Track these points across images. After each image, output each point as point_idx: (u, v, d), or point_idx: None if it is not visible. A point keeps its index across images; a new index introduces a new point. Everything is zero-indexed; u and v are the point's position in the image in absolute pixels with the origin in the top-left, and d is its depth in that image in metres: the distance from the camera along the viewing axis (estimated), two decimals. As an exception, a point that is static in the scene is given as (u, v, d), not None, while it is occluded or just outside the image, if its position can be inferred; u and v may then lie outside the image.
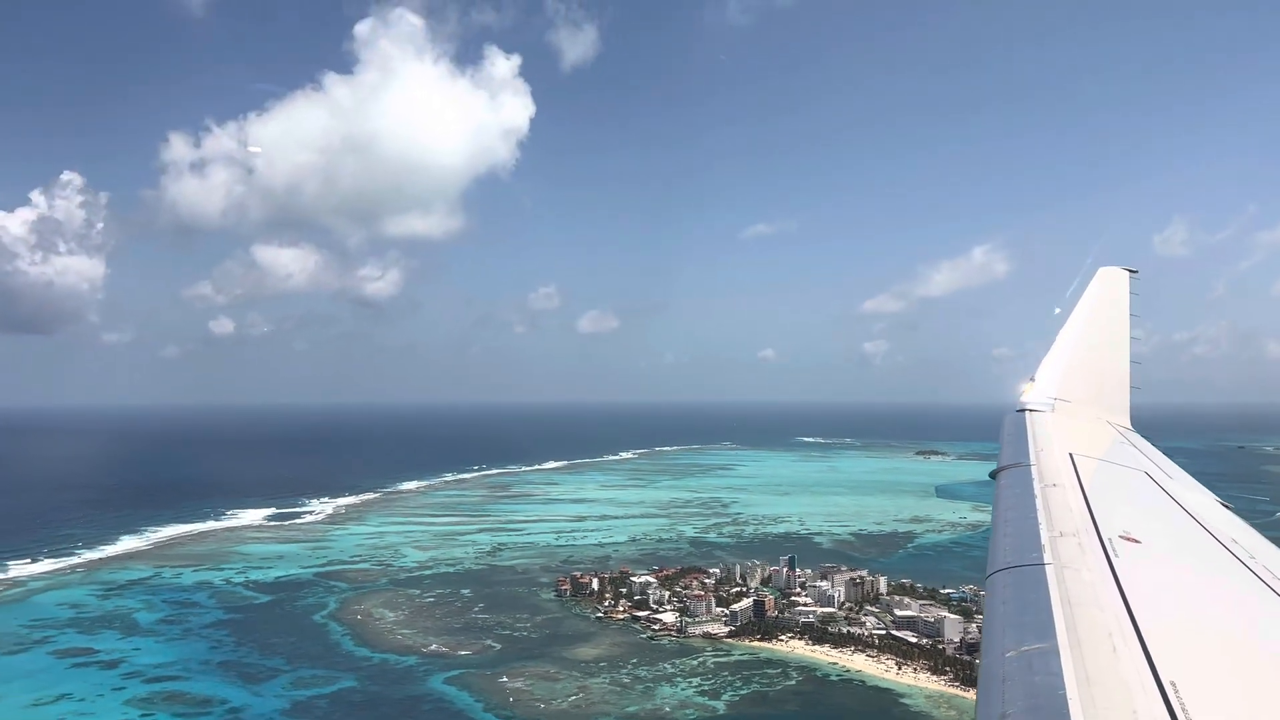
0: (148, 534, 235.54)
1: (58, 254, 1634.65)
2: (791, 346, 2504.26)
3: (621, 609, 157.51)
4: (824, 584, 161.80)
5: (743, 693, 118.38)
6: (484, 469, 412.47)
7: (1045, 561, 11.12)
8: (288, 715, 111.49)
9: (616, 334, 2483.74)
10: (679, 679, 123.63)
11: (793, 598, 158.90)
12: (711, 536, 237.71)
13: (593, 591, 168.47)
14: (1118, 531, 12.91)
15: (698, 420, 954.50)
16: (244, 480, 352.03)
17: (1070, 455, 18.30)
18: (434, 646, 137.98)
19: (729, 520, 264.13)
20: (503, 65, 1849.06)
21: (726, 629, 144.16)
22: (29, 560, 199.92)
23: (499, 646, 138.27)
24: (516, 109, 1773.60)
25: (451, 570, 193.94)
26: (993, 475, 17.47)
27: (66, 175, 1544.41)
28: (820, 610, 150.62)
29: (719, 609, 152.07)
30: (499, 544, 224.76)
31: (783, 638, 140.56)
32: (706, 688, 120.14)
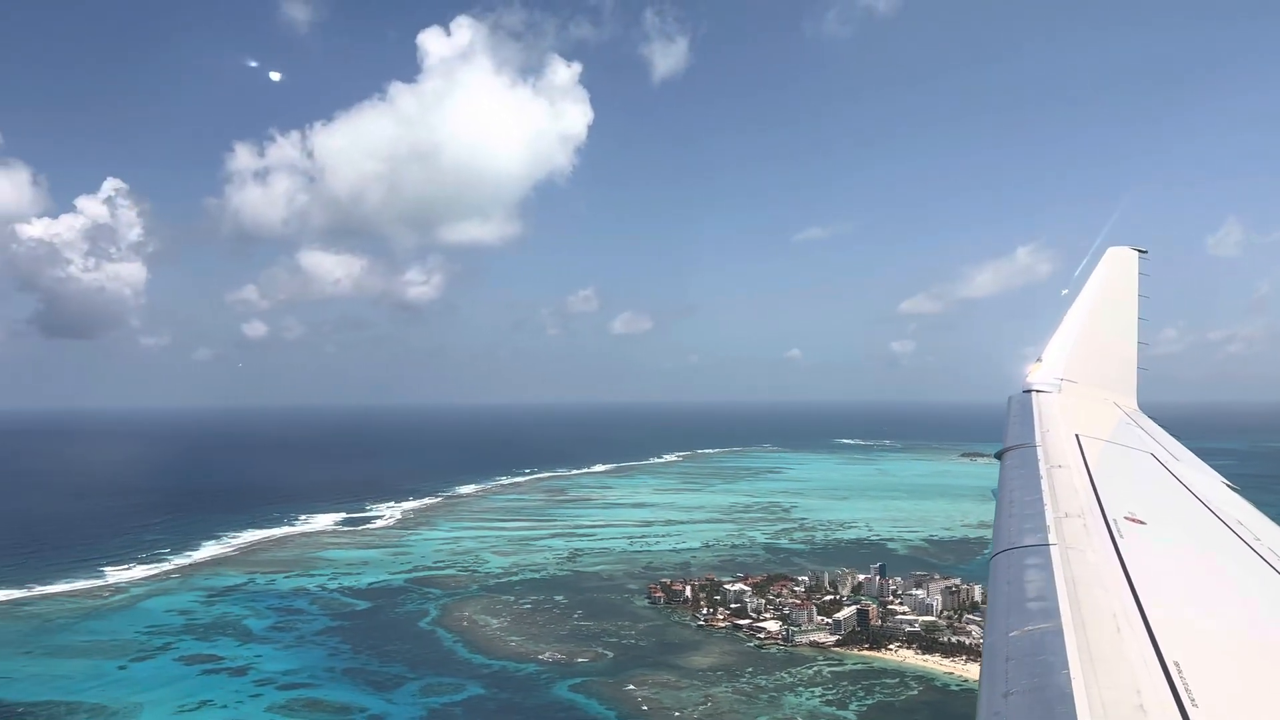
0: (227, 539, 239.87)
1: (109, 260, 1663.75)
2: (818, 346, 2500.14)
3: (721, 617, 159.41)
4: (919, 592, 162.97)
5: (868, 703, 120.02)
6: (535, 472, 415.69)
7: (1050, 542, 11.15)
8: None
9: (648, 335, 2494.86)
10: (800, 688, 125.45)
11: (889, 606, 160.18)
12: (784, 543, 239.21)
13: (686, 599, 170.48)
14: (1123, 513, 12.92)
15: (726, 421, 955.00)
16: (305, 484, 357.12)
17: (1076, 436, 18.31)
18: (547, 654, 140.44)
19: (795, 525, 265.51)
20: (563, 72, 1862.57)
21: (833, 638, 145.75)
22: (124, 566, 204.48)
23: (611, 654, 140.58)
24: (576, 116, 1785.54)
25: (537, 576, 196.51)
26: (998, 456, 17.50)
27: (111, 182, 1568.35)
28: (921, 619, 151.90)
29: (820, 617, 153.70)
30: (575, 549, 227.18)
31: (890, 647, 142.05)
32: (831, 697, 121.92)
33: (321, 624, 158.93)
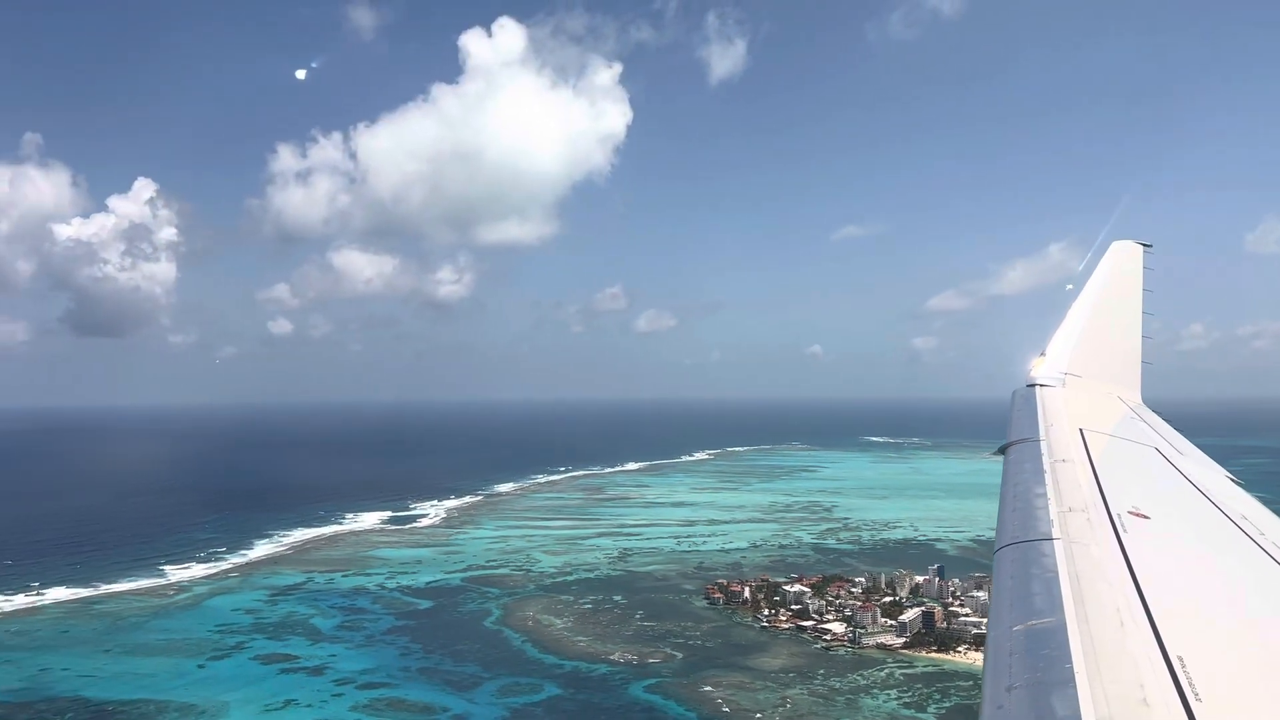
0: (279, 538, 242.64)
1: (143, 259, 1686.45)
2: (840, 342, 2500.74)
3: (784, 618, 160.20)
4: (981, 594, 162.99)
5: (946, 705, 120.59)
6: (570, 471, 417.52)
7: (1054, 536, 11.09)
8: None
9: (672, 332, 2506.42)
10: (875, 691, 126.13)
11: (951, 608, 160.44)
12: (831, 543, 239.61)
13: (745, 600, 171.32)
14: (1127, 507, 12.82)
15: (749, 417, 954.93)
16: (344, 482, 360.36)
17: (1080, 431, 18.19)
18: (617, 655, 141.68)
19: (840, 525, 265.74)
20: (604, 73, 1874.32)
21: (899, 640, 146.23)
22: (183, 565, 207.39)
23: (680, 655, 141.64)
24: (615, 116, 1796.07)
25: (591, 576, 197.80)
26: (1001, 450, 17.37)
27: (143, 182, 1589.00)
28: (986, 621, 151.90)
29: (884, 619, 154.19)
30: (624, 549, 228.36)
31: (959, 649, 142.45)
32: (907, 700, 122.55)
33: (388, 623, 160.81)
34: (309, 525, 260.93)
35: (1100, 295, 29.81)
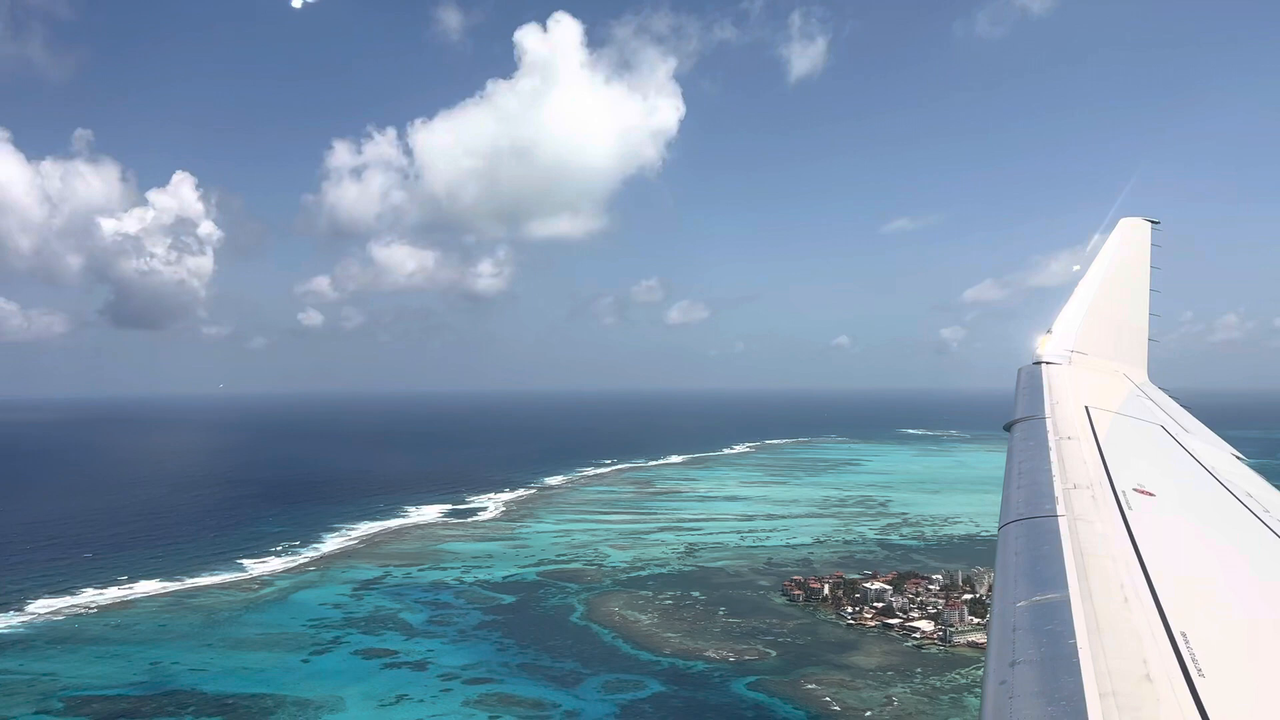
0: (346, 531, 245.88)
1: (189, 253, 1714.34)
2: (867, 334, 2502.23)
3: (868, 616, 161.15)
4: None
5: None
6: (615, 463, 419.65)
7: (1058, 513, 11.10)
8: (624, 719, 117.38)
9: (703, 324, 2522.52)
10: (977, 690, 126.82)
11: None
12: (895, 538, 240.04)
13: (825, 596, 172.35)
14: (1132, 484, 12.86)
15: (778, 409, 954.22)
16: (395, 474, 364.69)
17: (1086, 408, 18.14)
18: (710, 651, 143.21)
19: (899, 520, 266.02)
20: (658, 67, 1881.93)
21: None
22: (260, 559, 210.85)
23: (774, 653, 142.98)
24: (668, 111, 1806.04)
25: (664, 572, 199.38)
26: (1007, 428, 17.29)
27: (182, 175, 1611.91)
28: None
29: (971, 617, 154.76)
30: (689, 544, 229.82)
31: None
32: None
33: (476, 618, 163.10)
34: (372, 518, 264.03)
35: (1108, 272, 29.52)
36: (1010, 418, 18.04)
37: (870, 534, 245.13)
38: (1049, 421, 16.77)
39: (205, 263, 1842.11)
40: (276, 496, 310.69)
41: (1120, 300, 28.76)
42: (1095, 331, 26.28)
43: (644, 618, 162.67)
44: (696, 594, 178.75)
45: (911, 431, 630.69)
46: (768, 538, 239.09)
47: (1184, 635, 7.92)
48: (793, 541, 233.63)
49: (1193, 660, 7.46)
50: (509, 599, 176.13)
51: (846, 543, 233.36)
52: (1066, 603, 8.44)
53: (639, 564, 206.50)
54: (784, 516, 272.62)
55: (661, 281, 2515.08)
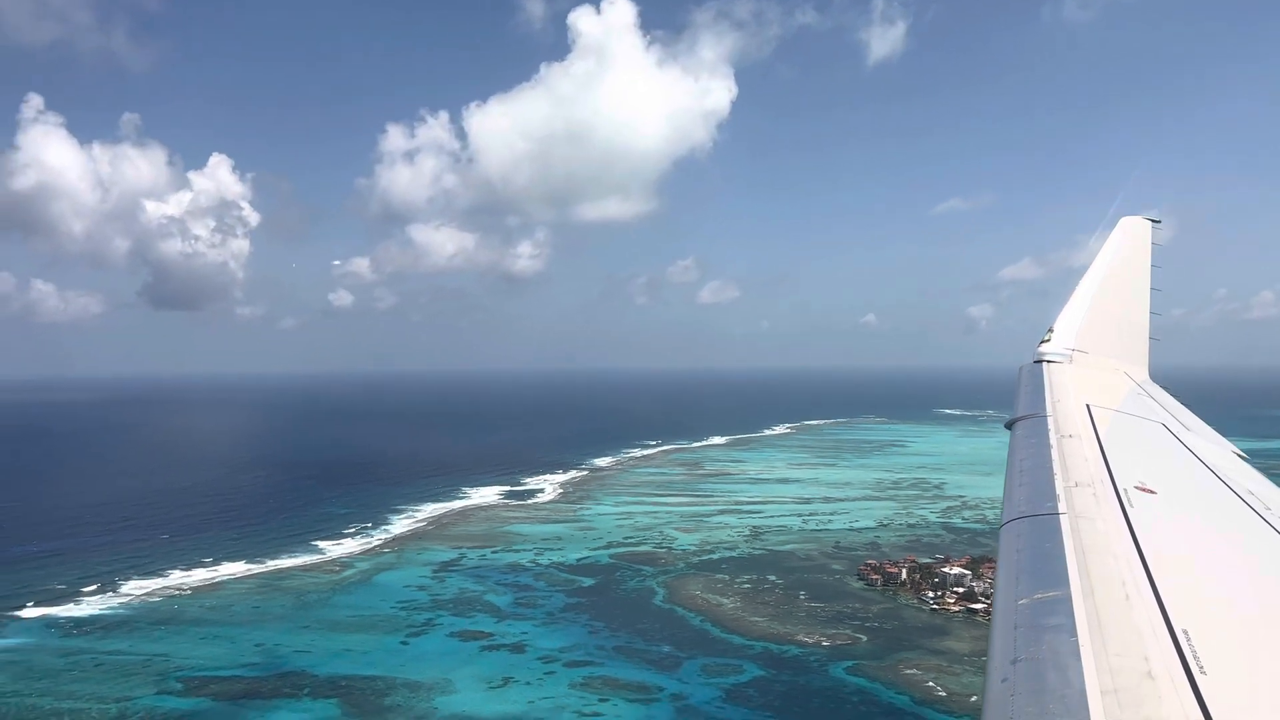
0: (411, 513, 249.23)
1: (231, 236, 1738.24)
2: (896, 311, 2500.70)
3: (952, 600, 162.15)
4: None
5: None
6: (660, 445, 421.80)
7: (1060, 511, 11.12)
8: (731, 702, 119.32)
9: (734, 303, 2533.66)
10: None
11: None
12: (958, 522, 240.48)
13: (903, 581, 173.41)
14: (1133, 482, 12.87)
15: (807, 388, 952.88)
16: (445, 454, 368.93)
17: (1087, 406, 18.13)
18: (801, 635, 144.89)
19: (958, 504, 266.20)
20: (711, 49, 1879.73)
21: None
22: (335, 540, 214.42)
23: (865, 638, 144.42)
24: (720, 93, 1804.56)
25: (735, 555, 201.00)
26: (1008, 426, 17.38)
27: (219, 158, 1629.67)
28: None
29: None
30: (752, 527, 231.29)
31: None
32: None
33: (560, 601, 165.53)
34: (434, 500, 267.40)
35: (1108, 271, 29.73)
36: (1011, 415, 18.30)
37: (932, 517, 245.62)
38: (1050, 420, 16.93)
39: (244, 245, 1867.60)
40: (334, 478, 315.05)
41: (1121, 299, 28.95)
42: (1096, 330, 26.49)
43: (726, 601, 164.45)
44: (773, 578, 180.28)
45: (949, 411, 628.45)
46: (830, 521, 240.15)
47: (1185, 633, 7.92)
48: (856, 525, 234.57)
49: (1194, 657, 7.45)
50: (588, 581, 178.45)
51: (910, 526, 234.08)
52: (1068, 600, 8.46)
53: (707, 547, 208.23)
54: (841, 499, 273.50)
55: (697, 261, 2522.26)
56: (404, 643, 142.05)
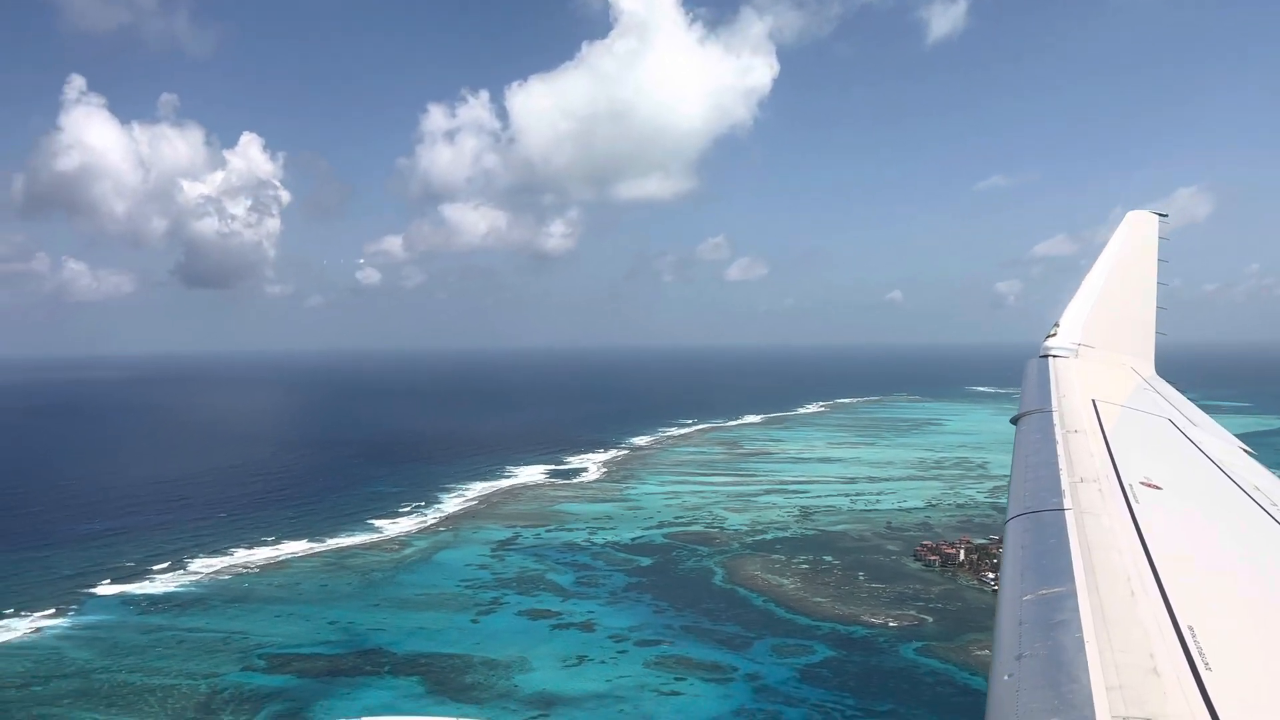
0: (461, 492, 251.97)
1: (267, 215, 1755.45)
2: (922, 288, 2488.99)
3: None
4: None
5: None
6: (696, 423, 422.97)
7: (1065, 507, 11.07)
8: (806, 683, 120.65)
9: (762, 280, 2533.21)
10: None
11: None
12: (1006, 502, 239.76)
13: (961, 562, 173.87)
14: (1139, 478, 12.79)
15: (837, 366, 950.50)
16: (485, 433, 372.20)
17: (1093, 401, 18.02)
18: (867, 616, 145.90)
19: (1004, 484, 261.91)
20: (753, 25, 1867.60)
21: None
22: (390, 519, 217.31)
23: (930, 619, 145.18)
24: (762, 70, 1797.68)
25: (788, 535, 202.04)
26: (1014, 421, 17.23)
27: (249, 136, 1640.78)
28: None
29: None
30: (801, 507, 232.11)
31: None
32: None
33: (620, 580, 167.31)
34: (482, 479, 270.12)
35: (1115, 265, 29.65)
36: (1017, 411, 18.27)
37: (980, 497, 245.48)
38: (1056, 415, 16.90)
39: (276, 224, 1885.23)
40: (379, 456, 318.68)
41: (1128, 293, 28.89)
42: (1102, 325, 26.49)
43: (786, 582, 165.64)
44: (829, 558, 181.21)
45: (982, 389, 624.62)
46: (878, 501, 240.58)
47: (1191, 629, 7.88)
48: (904, 505, 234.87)
49: (1200, 654, 7.42)
50: (645, 561, 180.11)
51: (959, 506, 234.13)
52: (1073, 596, 8.40)
53: (759, 527, 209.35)
54: (885, 479, 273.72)
55: (727, 239, 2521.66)
56: (474, 621, 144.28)
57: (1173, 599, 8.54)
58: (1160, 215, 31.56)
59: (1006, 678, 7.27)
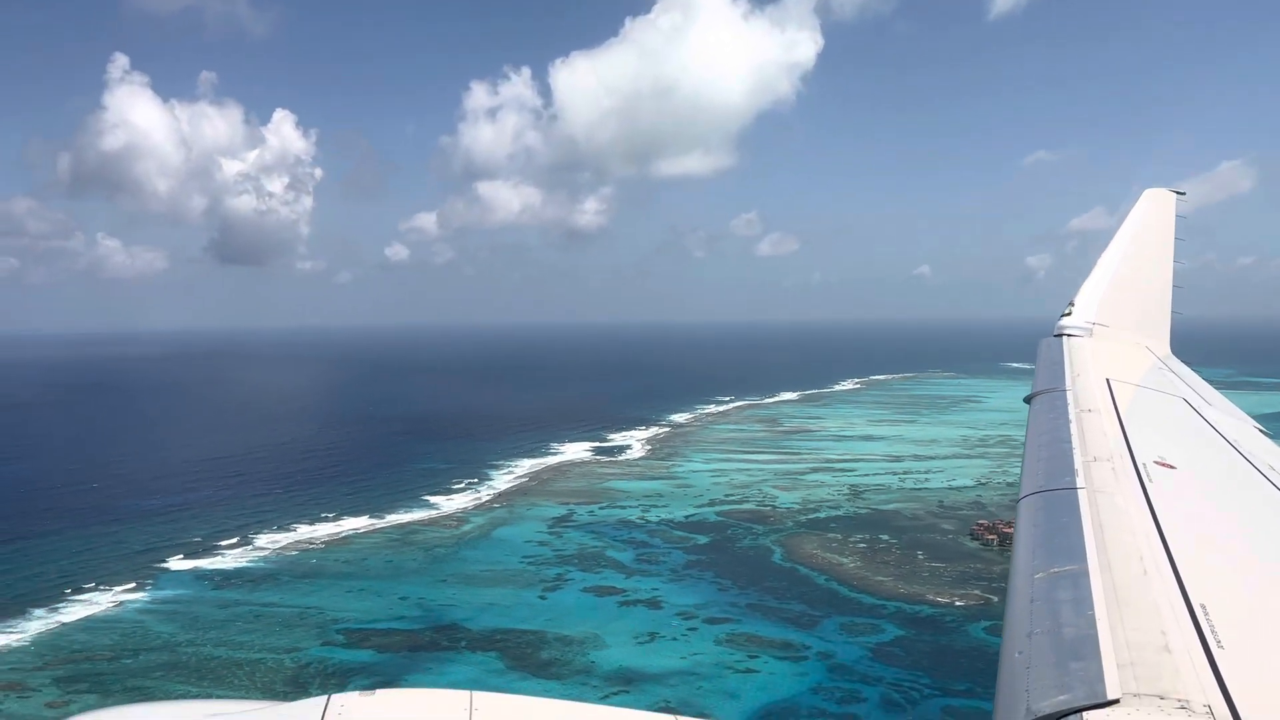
0: (510, 469, 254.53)
1: (303, 193, 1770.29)
2: (951, 263, 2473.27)
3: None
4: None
5: None
6: (733, 400, 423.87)
7: (1078, 486, 11.11)
8: (879, 661, 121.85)
9: (794, 256, 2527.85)
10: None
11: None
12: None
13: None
14: (1152, 457, 12.80)
15: (867, 341, 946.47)
16: (528, 410, 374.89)
17: (1107, 381, 18.04)
18: (931, 595, 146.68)
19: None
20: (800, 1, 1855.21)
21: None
22: (445, 495, 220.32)
23: (995, 598, 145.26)
24: (806, 45, 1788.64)
25: (841, 514, 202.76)
26: (1027, 400, 17.30)
27: (282, 113, 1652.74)
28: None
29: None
30: (850, 485, 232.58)
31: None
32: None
33: (680, 558, 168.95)
34: (529, 456, 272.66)
35: (1131, 244, 29.35)
36: (1031, 390, 18.39)
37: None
38: (1070, 394, 17.02)
39: (311, 201, 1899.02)
40: (424, 433, 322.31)
41: (1143, 272, 28.64)
42: (1117, 304, 26.37)
43: (845, 560, 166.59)
44: (885, 537, 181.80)
45: (1016, 365, 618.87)
46: (926, 479, 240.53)
47: (1203, 607, 7.92)
48: (954, 484, 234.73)
49: (1212, 632, 7.46)
50: (703, 539, 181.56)
51: (1010, 485, 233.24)
52: (1085, 574, 8.49)
53: (811, 505, 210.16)
54: (931, 457, 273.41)
55: (760, 214, 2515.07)
56: (542, 597, 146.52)
57: (1185, 577, 8.60)
58: (1178, 193, 31.27)
59: (1018, 655, 7.41)
